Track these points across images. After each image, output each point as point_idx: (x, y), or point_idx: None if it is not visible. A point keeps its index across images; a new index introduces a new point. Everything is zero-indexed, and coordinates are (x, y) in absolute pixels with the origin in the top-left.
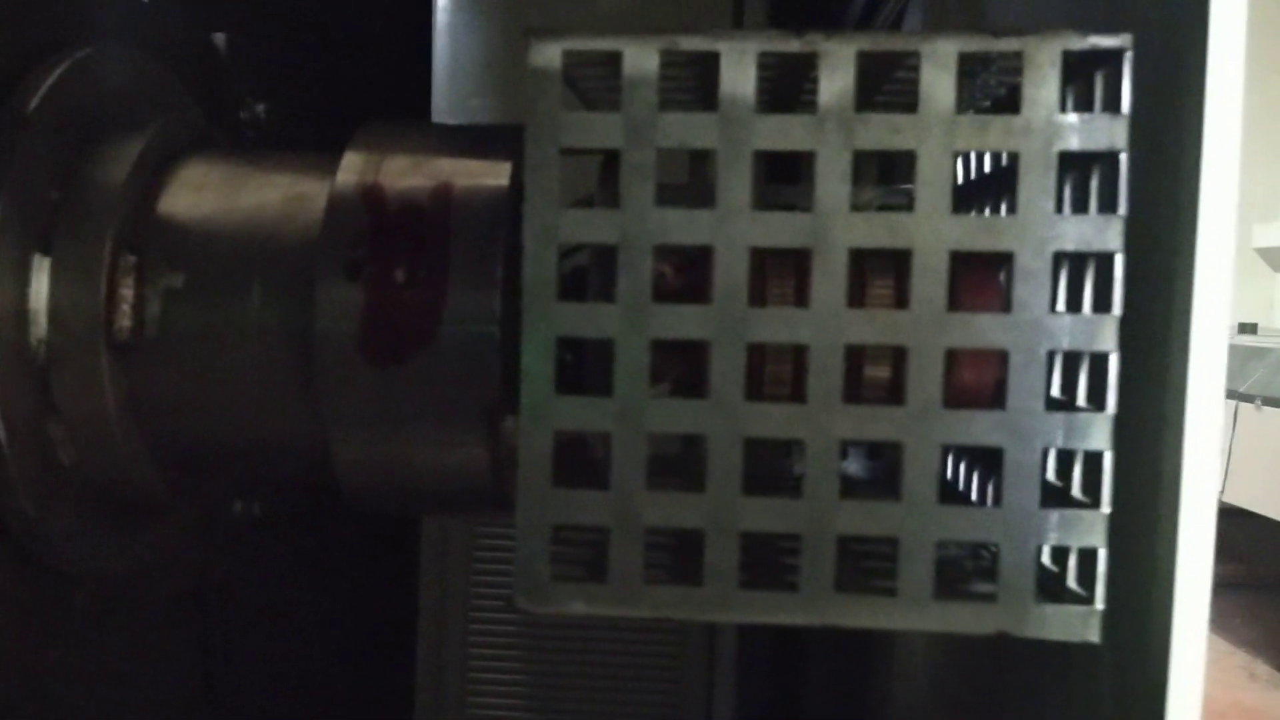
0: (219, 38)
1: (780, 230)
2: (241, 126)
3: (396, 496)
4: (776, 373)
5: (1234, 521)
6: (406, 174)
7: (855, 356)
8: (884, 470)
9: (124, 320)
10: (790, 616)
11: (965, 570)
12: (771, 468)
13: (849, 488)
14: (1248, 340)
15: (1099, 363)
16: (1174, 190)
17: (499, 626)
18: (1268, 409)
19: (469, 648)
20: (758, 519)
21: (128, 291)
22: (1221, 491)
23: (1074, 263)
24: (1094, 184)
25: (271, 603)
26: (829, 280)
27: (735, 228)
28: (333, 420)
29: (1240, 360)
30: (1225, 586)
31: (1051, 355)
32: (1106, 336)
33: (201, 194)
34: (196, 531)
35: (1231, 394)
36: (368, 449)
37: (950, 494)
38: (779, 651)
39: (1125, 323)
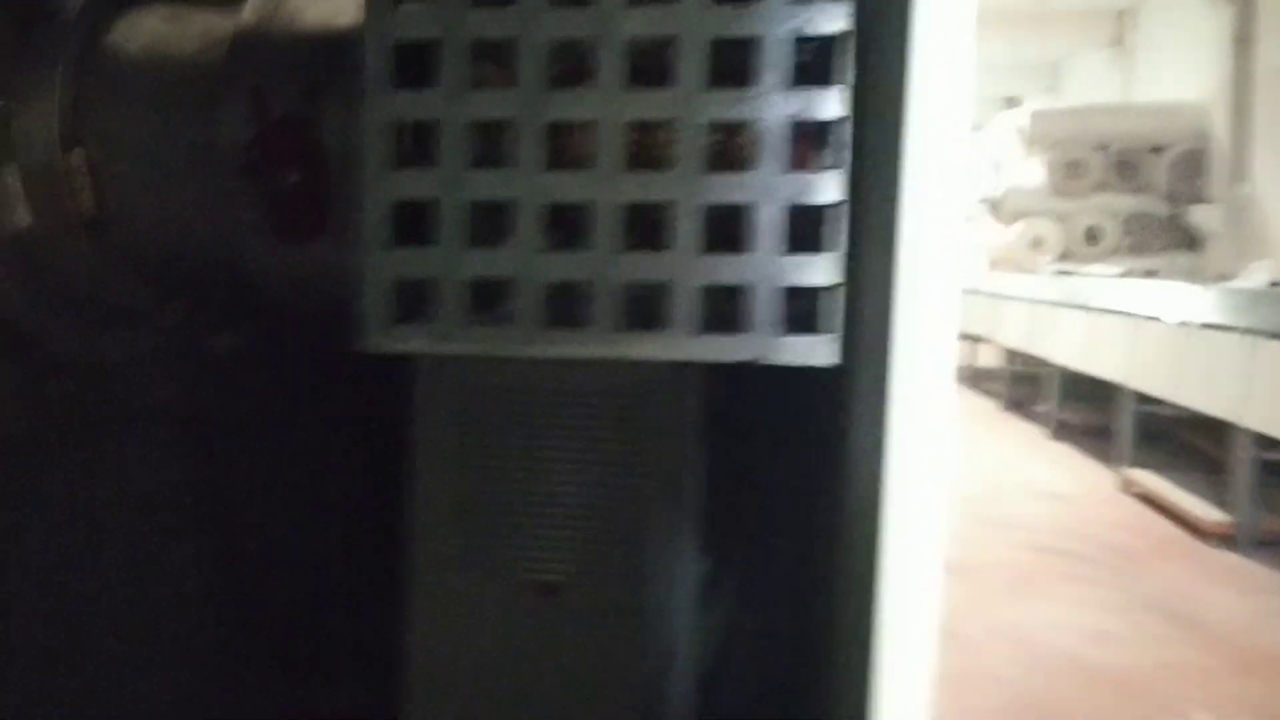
0: None
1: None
2: None
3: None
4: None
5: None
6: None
7: (639, 132)
8: None
9: (86, 204)
10: (586, 349)
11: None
12: None
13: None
14: None
15: (834, 127)
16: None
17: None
18: None
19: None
20: (557, 269)
21: (85, 180)
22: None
23: None
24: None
25: (259, 431)
26: (612, 69)
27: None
28: (257, 275)
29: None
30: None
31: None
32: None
33: (126, 79)
34: (178, 344)
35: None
36: (290, 283)
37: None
38: None
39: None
